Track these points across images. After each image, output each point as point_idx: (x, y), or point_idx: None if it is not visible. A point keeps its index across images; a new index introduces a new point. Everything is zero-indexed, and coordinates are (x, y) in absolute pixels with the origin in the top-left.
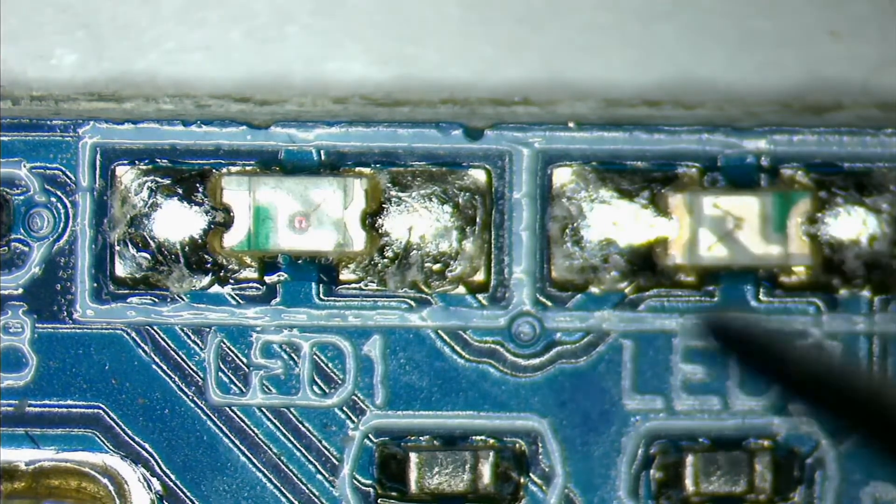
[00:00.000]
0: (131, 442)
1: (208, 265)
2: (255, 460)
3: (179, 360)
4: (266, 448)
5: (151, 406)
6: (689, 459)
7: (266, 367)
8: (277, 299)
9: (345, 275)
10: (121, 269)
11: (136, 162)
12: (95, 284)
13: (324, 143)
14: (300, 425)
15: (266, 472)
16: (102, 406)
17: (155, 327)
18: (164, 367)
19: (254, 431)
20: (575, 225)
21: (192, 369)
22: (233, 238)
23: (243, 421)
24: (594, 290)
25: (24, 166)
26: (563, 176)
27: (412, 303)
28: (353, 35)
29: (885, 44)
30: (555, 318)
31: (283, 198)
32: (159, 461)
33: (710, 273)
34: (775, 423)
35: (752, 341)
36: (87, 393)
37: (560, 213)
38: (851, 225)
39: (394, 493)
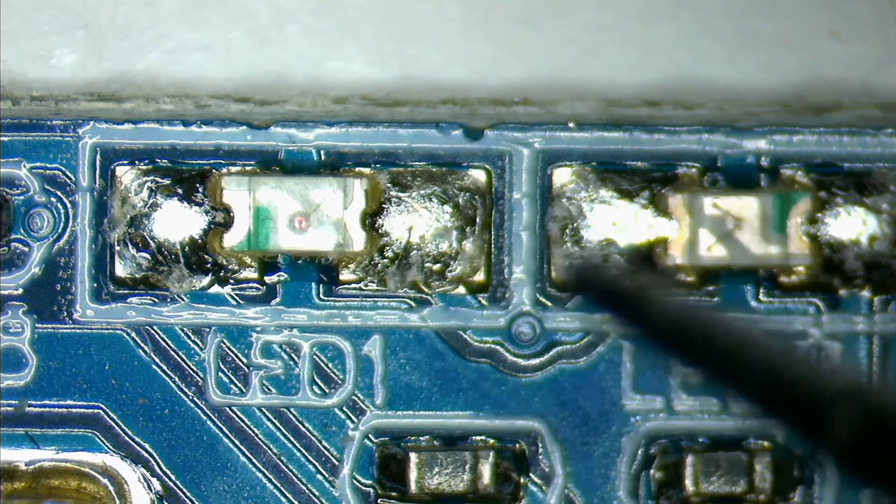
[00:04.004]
0: (131, 442)
1: (208, 265)
2: (255, 460)
3: (179, 360)
4: (266, 448)
5: (151, 406)
6: (689, 459)
7: (266, 367)
8: (277, 299)
9: (345, 275)
10: (121, 270)
11: (136, 162)
12: (95, 284)
13: (324, 143)
14: (300, 425)
15: (266, 472)
16: (102, 406)
17: (155, 327)
18: (164, 367)
19: (254, 431)
20: (575, 225)
21: (192, 369)
22: (233, 238)
23: (243, 421)
24: None
25: (24, 166)
26: (563, 176)
27: (412, 303)
28: (353, 35)
29: (885, 44)
30: (555, 318)
31: (283, 198)
32: (159, 461)
33: (710, 273)
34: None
35: (617, 290)
36: (87, 393)
37: (560, 214)
38: (851, 225)
39: (394, 494)
